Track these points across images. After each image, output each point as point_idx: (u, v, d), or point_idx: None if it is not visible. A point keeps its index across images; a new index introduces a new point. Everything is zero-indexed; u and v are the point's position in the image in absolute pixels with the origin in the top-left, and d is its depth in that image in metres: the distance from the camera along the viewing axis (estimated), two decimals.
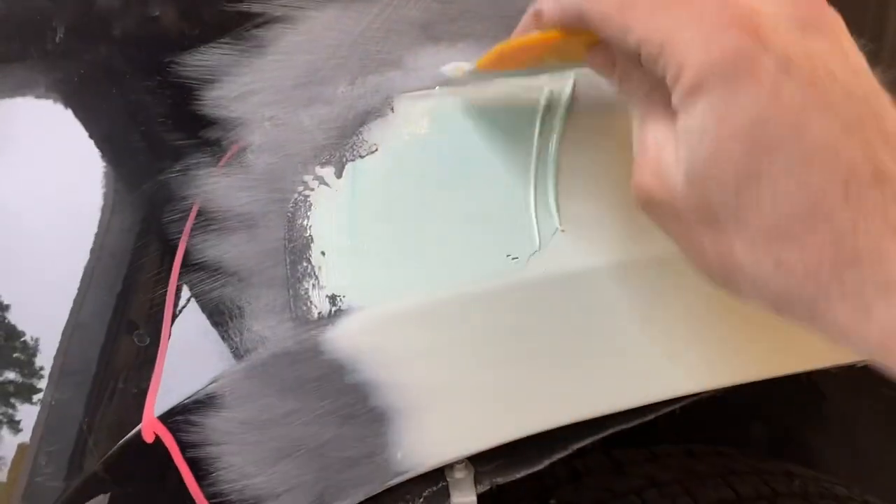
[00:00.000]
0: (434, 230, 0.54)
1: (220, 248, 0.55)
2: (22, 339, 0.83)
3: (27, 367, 0.81)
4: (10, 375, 0.83)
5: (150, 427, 0.51)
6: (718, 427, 1.14)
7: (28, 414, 0.71)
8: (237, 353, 0.52)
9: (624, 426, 0.57)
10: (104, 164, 0.62)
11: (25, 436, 0.70)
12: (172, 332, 0.54)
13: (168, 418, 0.51)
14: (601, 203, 0.55)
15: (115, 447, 0.52)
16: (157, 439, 0.51)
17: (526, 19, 0.48)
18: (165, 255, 0.56)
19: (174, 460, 0.50)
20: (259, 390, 0.51)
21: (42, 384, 0.73)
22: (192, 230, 0.55)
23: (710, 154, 0.37)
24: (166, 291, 0.54)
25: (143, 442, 0.51)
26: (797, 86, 0.35)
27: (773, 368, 0.58)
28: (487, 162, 0.55)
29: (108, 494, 0.54)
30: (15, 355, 0.84)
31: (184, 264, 0.55)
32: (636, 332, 0.55)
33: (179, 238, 0.55)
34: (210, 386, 0.51)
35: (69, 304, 0.67)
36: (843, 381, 1.14)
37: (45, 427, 0.63)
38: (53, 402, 0.64)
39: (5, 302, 0.84)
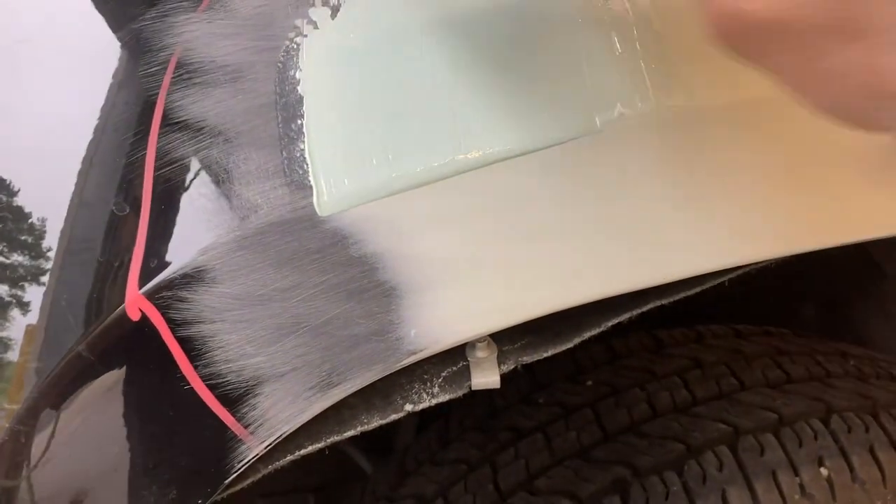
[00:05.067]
0: (449, 87, 0.47)
1: (203, 105, 0.48)
2: (29, 220, 0.80)
3: (35, 249, 0.79)
4: (19, 258, 0.81)
5: (134, 303, 0.46)
6: (766, 309, 1.09)
7: (36, 295, 0.69)
8: (226, 223, 0.46)
9: (664, 300, 0.51)
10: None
11: (34, 317, 0.68)
12: (155, 201, 0.49)
13: (154, 294, 0.46)
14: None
15: (99, 326, 0.48)
16: (144, 317, 0.46)
17: None
18: (144, 115, 0.50)
19: (163, 339, 0.45)
20: (253, 263, 0.46)
21: (49, 265, 0.71)
22: (170, 85, 0.49)
23: None
24: (145, 154, 0.49)
25: (129, 320, 0.47)
26: None
27: (829, 237, 0.51)
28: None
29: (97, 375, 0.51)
30: (23, 237, 0.81)
31: (163, 124, 0.49)
32: (679, 196, 0.48)
33: (157, 94, 0.49)
34: (199, 259, 0.46)
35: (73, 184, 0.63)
36: None
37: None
38: (56, 283, 0.61)
39: (14, 187, 0.81)
